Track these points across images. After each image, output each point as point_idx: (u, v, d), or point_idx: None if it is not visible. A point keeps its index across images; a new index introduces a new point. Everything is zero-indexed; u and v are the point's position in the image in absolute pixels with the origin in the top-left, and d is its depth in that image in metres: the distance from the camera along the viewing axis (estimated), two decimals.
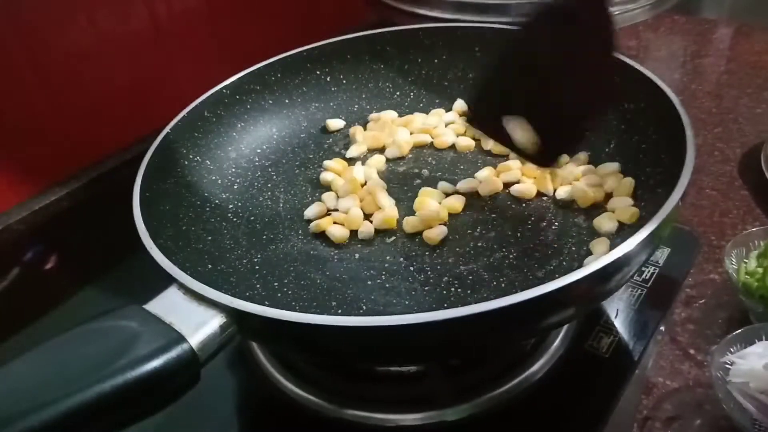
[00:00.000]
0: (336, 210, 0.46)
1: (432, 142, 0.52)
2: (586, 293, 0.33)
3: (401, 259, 0.42)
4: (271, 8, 0.77)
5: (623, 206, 0.42)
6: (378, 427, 0.40)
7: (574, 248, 0.41)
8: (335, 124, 0.55)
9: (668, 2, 0.69)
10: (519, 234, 0.43)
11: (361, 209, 0.45)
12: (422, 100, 0.57)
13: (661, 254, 0.50)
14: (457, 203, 0.45)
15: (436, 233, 0.42)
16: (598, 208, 0.43)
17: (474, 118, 0.46)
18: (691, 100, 0.71)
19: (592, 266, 0.30)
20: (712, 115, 0.69)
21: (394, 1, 0.70)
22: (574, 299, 0.32)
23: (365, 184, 0.48)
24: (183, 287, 0.32)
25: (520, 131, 0.42)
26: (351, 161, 0.51)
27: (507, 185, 0.46)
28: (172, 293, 0.32)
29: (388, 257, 0.42)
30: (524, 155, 0.43)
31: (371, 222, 0.44)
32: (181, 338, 0.29)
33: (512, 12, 0.64)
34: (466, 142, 0.51)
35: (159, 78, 0.68)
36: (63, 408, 0.25)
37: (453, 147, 0.52)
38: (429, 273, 0.41)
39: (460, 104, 0.55)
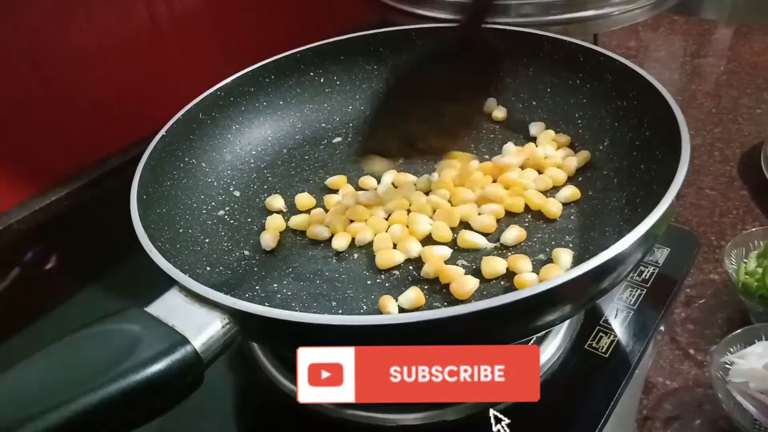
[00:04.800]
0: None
1: None
2: (582, 291, 0.33)
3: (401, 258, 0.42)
4: (271, 9, 0.77)
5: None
6: (378, 426, 0.40)
7: (571, 244, 0.41)
8: None
9: (668, 2, 0.69)
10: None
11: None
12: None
13: (661, 254, 0.50)
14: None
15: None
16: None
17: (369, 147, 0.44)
18: (690, 101, 0.72)
19: (587, 264, 0.30)
20: (712, 115, 0.69)
21: (394, 1, 0.70)
22: (571, 297, 0.32)
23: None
24: (184, 289, 0.32)
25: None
26: None
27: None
28: (173, 295, 0.32)
29: None
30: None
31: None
32: (184, 340, 0.29)
33: (512, 12, 0.64)
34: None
35: (159, 78, 0.68)
36: (67, 412, 0.26)
37: None
38: None
39: None
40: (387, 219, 0.44)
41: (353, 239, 0.43)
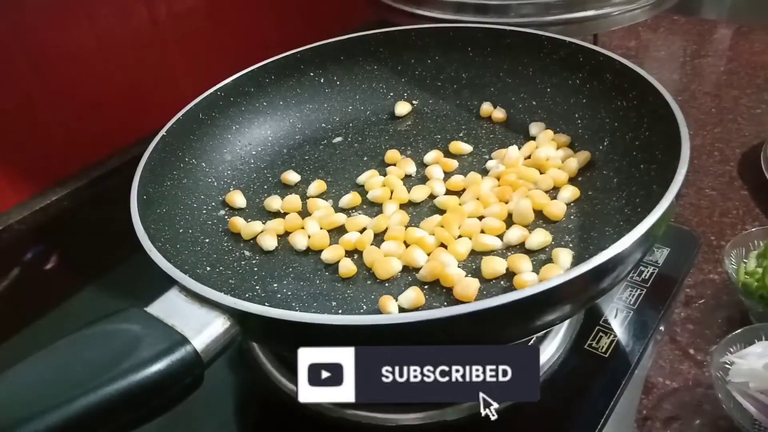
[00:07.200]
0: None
1: None
2: (582, 291, 0.33)
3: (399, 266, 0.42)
4: (271, 9, 0.77)
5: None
6: (378, 426, 0.40)
7: (571, 244, 0.41)
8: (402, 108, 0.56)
9: (668, 2, 0.69)
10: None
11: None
12: (415, 101, 0.57)
13: (661, 254, 0.50)
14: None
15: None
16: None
17: None
18: (690, 101, 0.71)
19: (587, 264, 0.30)
20: (712, 115, 0.69)
21: (394, 1, 0.70)
22: (571, 297, 0.32)
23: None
24: (184, 289, 0.32)
25: None
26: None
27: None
28: (173, 295, 0.32)
29: None
30: None
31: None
32: (184, 340, 0.29)
33: (512, 12, 0.64)
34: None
35: (159, 78, 0.68)
36: (67, 412, 0.26)
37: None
38: None
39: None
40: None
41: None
